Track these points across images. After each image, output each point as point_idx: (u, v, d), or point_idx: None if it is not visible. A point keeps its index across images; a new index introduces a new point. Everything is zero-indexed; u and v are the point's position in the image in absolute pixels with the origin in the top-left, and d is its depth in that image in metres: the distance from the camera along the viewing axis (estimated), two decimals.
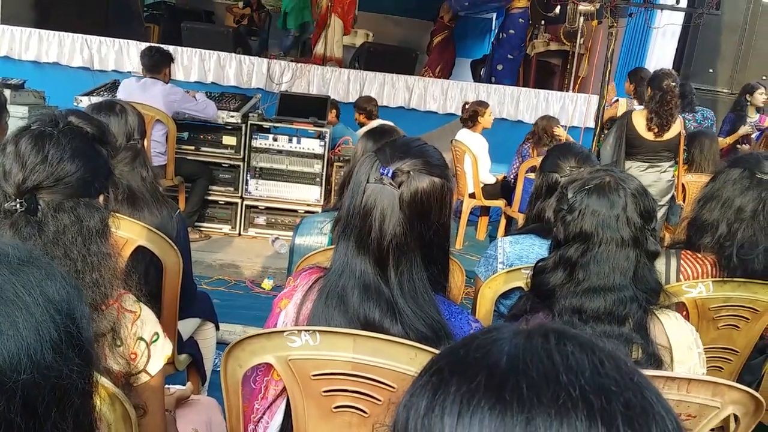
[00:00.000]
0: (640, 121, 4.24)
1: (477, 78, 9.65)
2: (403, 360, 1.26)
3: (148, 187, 2.24)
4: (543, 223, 2.27)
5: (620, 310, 1.49)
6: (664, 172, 4.31)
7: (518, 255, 2.26)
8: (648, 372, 1.33)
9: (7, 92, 4.95)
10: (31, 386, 0.68)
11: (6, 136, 2.43)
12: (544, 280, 1.58)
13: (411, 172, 1.31)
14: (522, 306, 1.67)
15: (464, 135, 5.64)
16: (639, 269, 1.52)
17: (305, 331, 1.29)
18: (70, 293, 0.75)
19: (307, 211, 5.29)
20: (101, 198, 1.40)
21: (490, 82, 8.33)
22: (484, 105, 5.73)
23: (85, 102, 5.03)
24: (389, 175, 1.30)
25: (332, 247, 1.79)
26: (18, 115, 4.90)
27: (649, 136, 4.23)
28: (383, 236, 1.30)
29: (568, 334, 0.59)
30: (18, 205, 1.26)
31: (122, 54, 7.14)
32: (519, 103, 7.40)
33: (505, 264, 2.27)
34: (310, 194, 5.30)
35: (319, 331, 1.30)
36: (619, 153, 4.16)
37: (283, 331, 1.30)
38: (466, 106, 5.69)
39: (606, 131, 4.67)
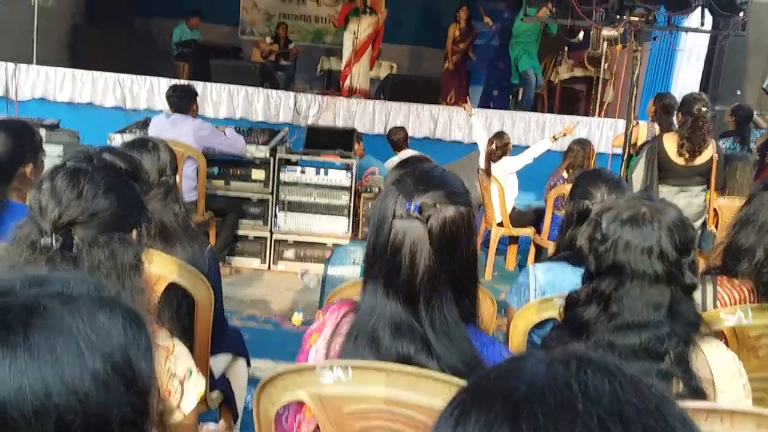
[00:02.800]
0: (671, 145, 4.19)
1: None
2: (437, 394, 1.24)
3: (180, 222, 2.26)
4: (575, 250, 2.24)
5: (658, 347, 1.44)
6: (696, 196, 4.24)
7: (551, 283, 2.23)
8: (689, 403, 1.29)
9: (42, 132, 5.06)
10: (65, 412, 0.69)
11: (41, 174, 2.50)
12: (578, 314, 1.54)
13: (438, 204, 1.29)
14: (555, 337, 1.64)
15: (492, 168, 5.63)
16: (675, 305, 1.47)
17: (337, 366, 1.28)
18: (127, 327, 0.76)
19: (335, 244, 5.29)
20: (134, 233, 1.42)
21: (488, 107, 8.39)
22: (506, 136, 5.73)
23: (118, 140, 5.13)
24: (416, 210, 1.29)
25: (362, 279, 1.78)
26: (53, 155, 5.00)
27: (680, 161, 4.17)
28: (414, 273, 1.28)
29: (590, 359, 0.58)
30: (54, 241, 1.28)
31: (153, 92, 7.30)
32: (545, 130, 7.37)
33: (537, 292, 2.24)
34: (338, 226, 5.31)
35: (351, 366, 1.28)
36: (651, 177, 4.10)
37: (315, 367, 1.29)
38: (493, 147, 5.61)
39: (635, 155, 4.62)
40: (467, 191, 1.40)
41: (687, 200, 4.26)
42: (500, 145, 5.60)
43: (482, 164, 5.75)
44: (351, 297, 1.83)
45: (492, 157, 5.59)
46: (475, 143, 7.33)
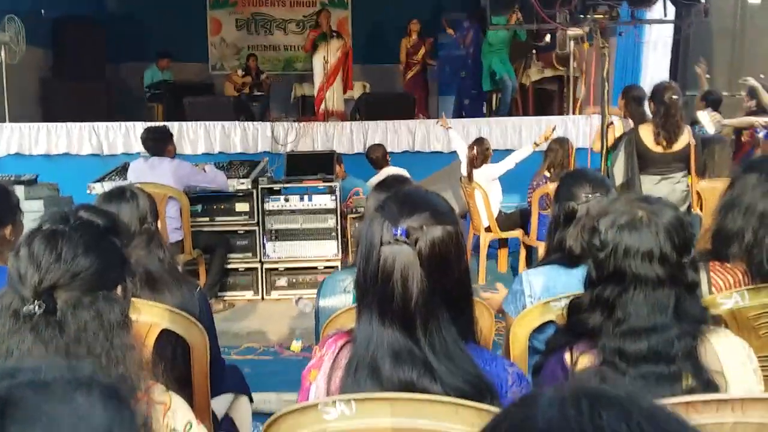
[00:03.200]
0: (647, 135, 4.23)
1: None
2: (445, 418, 1.22)
3: (166, 268, 2.24)
4: (565, 252, 2.24)
5: (668, 350, 1.42)
6: (678, 182, 4.27)
7: (545, 287, 2.23)
8: (698, 397, 1.29)
9: (21, 188, 5.04)
10: None
11: (20, 235, 2.48)
12: (582, 320, 1.53)
13: (424, 227, 1.28)
14: (559, 340, 1.63)
15: (480, 174, 5.66)
16: (680, 304, 1.46)
17: (340, 400, 1.26)
18: (107, 404, 0.74)
19: (326, 267, 5.30)
20: (119, 289, 1.39)
21: (461, 116, 8.42)
22: (486, 142, 5.77)
23: (98, 189, 5.10)
24: (403, 234, 1.27)
25: (355, 306, 1.76)
26: (33, 209, 4.97)
27: (658, 149, 4.21)
28: (408, 298, 1.26)
29: (603, 398, 0.56)
30: (37, 307, 1.25)
31: (129, 136, 7.28)
32: (521, 132, 7.42)
33: (533, 297, 2.24)
34: (327, 250, 5.29)
35: (354, 399, 1.26)
36: (632, 168, 4.13)
37: (317, 404, 1.27)
38: (474, 152, 5.64)
39: (613, 150, 4.64)
40: (452, 209, 1.40)
41: (670, 187, 4.29)
42: (481, 151, 5.64)
43: (464, 171, 5.78)
44: (345, 326, 1.82)
45: (474, 163, 5.62)
46: (455, 152, 7.39)
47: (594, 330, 1.49)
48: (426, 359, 1.27)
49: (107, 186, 5.03)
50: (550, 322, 2.08)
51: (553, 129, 5.77)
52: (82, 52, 9.80)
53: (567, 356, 1.54)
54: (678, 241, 1.45)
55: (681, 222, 1.49)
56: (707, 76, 6.46)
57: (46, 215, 1.40)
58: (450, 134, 6.22)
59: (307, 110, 10.11)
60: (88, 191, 5.16)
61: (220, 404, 2.46)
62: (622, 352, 1.43)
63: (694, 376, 1.42)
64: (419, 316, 1.27)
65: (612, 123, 5.13)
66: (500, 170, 5.64)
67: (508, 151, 6.73)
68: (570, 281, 2.19)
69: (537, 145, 5.64)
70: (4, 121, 7.31)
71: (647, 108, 4.59)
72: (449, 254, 1.30)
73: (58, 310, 1.27)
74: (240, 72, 10.59)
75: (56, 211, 1.41)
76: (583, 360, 1.51)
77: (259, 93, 10.41)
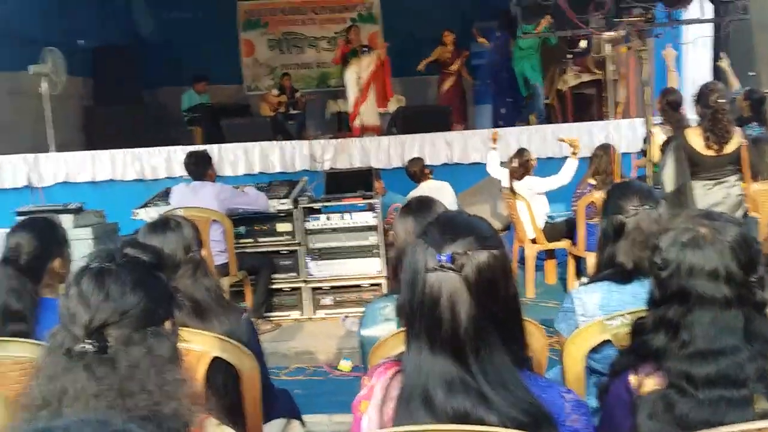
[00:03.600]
0: (696, 139, 4.09)
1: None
2: None
3: (212, 296, 2.25)
4: (616, 267, 2.18)
5: (738, 374, 1.36)
6: (732, 186, 4.12)
7: (597, 305, 2.18)
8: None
9: (69, 217, 5.16)
10: None
11: (69, 266, 2.52)
12: (646, 342, 1.48)
13: (469, 252, 1.26)
14: (624, 362, 1.57)
15: (516, 185, 5.57)
16: (749, 325, 1.39)
17: None
18: None
19: (371, 284, 5.28)
20: (167, 324, 1.40)
21: (498, 125, 8.36)
22: (527, 152, 5.68)
23: (142, 214, 5.20)
24: (448, 260, 1.25)
25: (402, 330, 1.73)
26: (81, 237, 5.09)
27: (710, 152, 4.07)
28: (457, 325, 1.24)
29: None
30: (89, 346, 1.27)
31: (171, 161, 7.39)
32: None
33: (585, 316, 2.18)
34: (371, 267, 5.28)
35: (410, 431, 1.24)
36: (683, 175, 4.00)
37: None
38: (514, 165, 5.57)
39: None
40: (496, 232, 1.37)
41: (724, 192, 4.14)
42: (521, 162, 5.56)
43: (505, 184, 5.71)
44: (391, 353, 1.79)
45: (515, 175, 5.54)
46: None
47: (659, 352, 1.44)
48: (479, 388, 1.24)
49: (151, 211, 5.13)
50: (607, 341, 2.03)
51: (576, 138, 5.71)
52: (120, 79, 10.06)
53: (632, 379, 1.49)
54: (744, 258, 1.40)
55: (746, 239, 1.43)
56: (729, 68, 6.23)
57: (93, 253, 1.43)
58: (490, 153, 6.11)
59: (342, 126, 10.16)
60: (132, 217, 5.27)
61: (272, 430, 2.45)
62: (690, 376, 1.37)
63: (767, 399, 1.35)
64: (469, 343, 1.24)
65: (652, 134, 5.02)
66: (548, 186, 5.54)
67: (549, 160, 6.64)
68: (624, 298, 2.14)
69: (575, 154, 5.55)
70: (50, 151, 7.49)
71: (688, 112, 4.47)
72: (496, 279, 1.27)
73: (109, 347, 1.28)
74: (275, 92, 10.70)
75: (103, 249, 1.43)
76: (649, 382, 1.46)
77: (294, 111, 10.51)
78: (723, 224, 1.44)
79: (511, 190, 5.54)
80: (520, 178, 5.55)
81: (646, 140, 4.90)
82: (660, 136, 4.86)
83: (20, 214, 5.15)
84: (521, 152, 5.68)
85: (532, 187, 5.52)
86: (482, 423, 1.22)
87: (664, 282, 1.44)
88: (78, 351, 1.27)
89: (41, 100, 7.55)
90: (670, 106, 5.10)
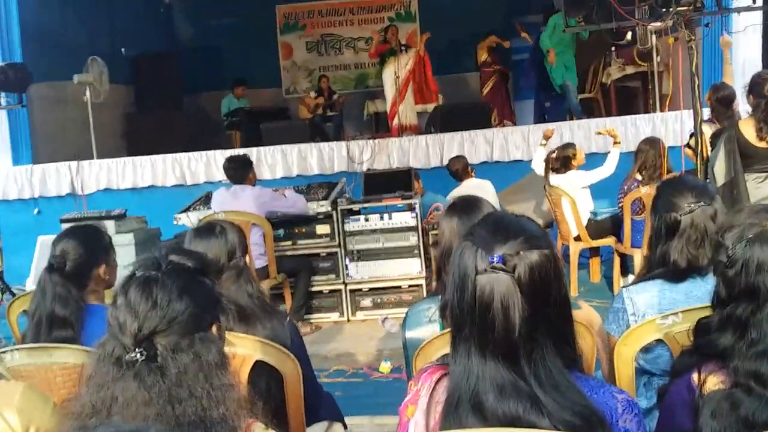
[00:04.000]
0: (748, 130, 3.94)
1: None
2: None
3: (255, 302, 2.25)
4: (669, 266, 2.10)
5: None
6: None
7: (649, 304, 2.10)
8: None
9: (111, 223, 5.25)
10: None
11: (114, 273, 2.54)
12: (712, 342, 1.44)
13: (520, 252, 1.22)
14: (686, 362, 1.53)
15: (558, 180, 5.47)
16: None
17: None
18: None
19: (411, 285, 5.24)
20: (214, 328, 1.41)
21: (544, 121, 8.18)
22: (571, 147, 5.56)
23: (183, 219, 5.25)
24: (500, 261, 1.21)
25: (446, 331, 1.68)
26: (124, 243, 5.17)
27: (763, 144, 3.92)
28: (510, 328, 1.20)
29: None
30: (138, 355, 1.29)
31: (211, 165, 7.48)
32: (606, 136, 7.15)
33: (636, 315, 2.11)
34: (411, 267, 5.24)
35: None
36: (735, 167, 3.84)
37: None
38: (553, 155, 5.50)
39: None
40: (545, 232, 1.34)
41: None
42: (560, 156, 5.45)
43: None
44: (436, 355, 1.75)
45: (552, 167, 5.44)
46: None
47: (725, 351, 1.41)
48: (531, 392, 1.21)
49: (192, 216, 5.18)
50: (659, 341, 1.96)
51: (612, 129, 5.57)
52: (160, 86, 10.26)
53: (695, 377, 1.46)
54: None
55: None
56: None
57: (138, 261, 1.44)
58: (537, 149, 6.01)
59: (380, 126, 10.15)
60: (174, 222, 5.33)
61: None
62: (758, 375, 1.33)
63: None
64: (522, 346, 1.21)
65: (702, 132, 4.86)
66: (591, 179, 5.43)
67: (594, 155, 6.50)
68: (676, 297, 2.07)
69: (616, 142, 5.41)
70: (93, 158, 7.66)
71: (740, 107, 4.30)
72: (549, 279, 1.24)
73: (158, 355, 1.30)
74: (313, 94, 10.76)
75: (148, 257, 1.44)
76: (712, 381, 1.42)
77: (332, 113, 10.55)
78: None
79: (547, 182, 5.43)
80: (558, 171, 5.44)
81: (693, 134, 4.74)
82: (707, 132, 4.71)
83: (64, 221, 5.26)
84: (565, 146, 5.59)
85: (576, 181, 5.41)
86: (534, 427, 1.19)
87: (732, 280, 1.40)
88: (128, 360, 1.29)
89: (85, 108, 7.71)
90: (720, 102, 4.92)
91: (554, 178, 5.49)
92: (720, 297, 1.45)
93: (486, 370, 1.22)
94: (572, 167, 5.45)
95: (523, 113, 10.62)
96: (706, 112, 5.00)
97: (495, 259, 1.22)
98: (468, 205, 2.25)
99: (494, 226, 1.30)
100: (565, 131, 7.21)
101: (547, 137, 5.97)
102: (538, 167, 5.79)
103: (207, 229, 2.36)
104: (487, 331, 1.21)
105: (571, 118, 8.23)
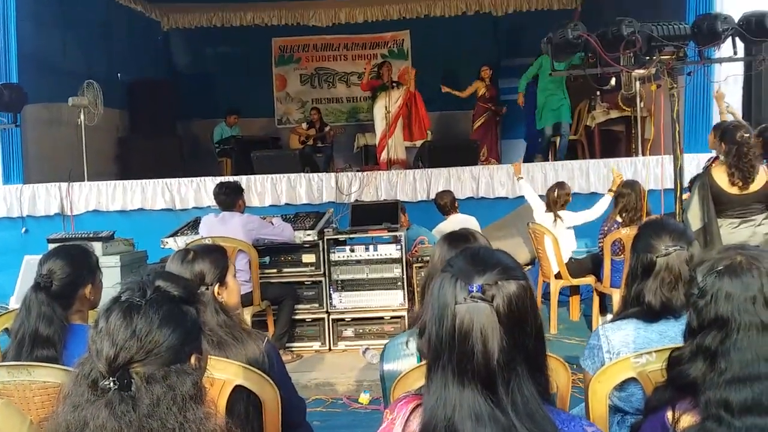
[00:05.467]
0: (721, 176, 4.06)
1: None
2: None
3: (225, 330, 2.22)
4: (643, 305, 2.16)
5: None
6: (759, 225, 4.06)
7: (624, 342, 2.15)
8: None
9: (98, 245, 5.26)
10: None
11: (100, 293, 2.55)
12: (683, 372, 1.49)
13: (498, 282, 1.26)
14: (660, 397, 1.58)
15: (550, 218, 5.58)
16: None
17: None
18: None
19: (393, 317, 5.27)
20: (193, 359, 1.39)
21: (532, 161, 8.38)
22: (566, 185, 5.71)
23: (171, 243, 5.27)
24: (479, 290, 1.25)
25: (423, 363, 1.71)
26: (110, 264, 5.18)
27: (735, 190, 4.03)
28: (489, 357, 1.23)
29: None
30: (112, 383, 1.27)
31: (200, 191, 7.53)
32: (589, 176, 7.28)
33: (611, 353, 2.16)
34: (394, 299, 5.27)
35: None
36: (708, 214, 3.95)
37: None
38: (554, 194, 5.60)
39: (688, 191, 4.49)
40: (519, 264, 1.38)
41: (751, 230, 4.09)
42: (561, 194, 5.59)
43: (538, 218, 5.69)
44: (413, 386, 1.77)
45: (556, 206, 5.56)
46: (520, 197, 7.31)
47: (696, 381, 1.45)
48: (507, 422, 1.23)
49: (180, 240, 5.20)
50: (632, 379, 2.00)
51: (617, 169, 5.66)
52: (154, 112, 10.32)
53: (669, 415, 1.50)
54: None
55: None
56: (726, 103, 6.14)
57: (125, 284, 1.43)
58: (521, 183, 6.13)
59: (369, 159, 10.26)
60: (161, 245, 5.34)
61: None
62: (727, 403, 1.37)
63: None
64: (500, 374, 1.24)
65: (717, 158, 4.95)
66: (578, 220, 5.54)
67: (577, 195, 6.61)
68: (650, 337, 2.12)
69: (611, 191, 5.53)
70: (83, 180, 7.67)
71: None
72: (525, 308, 1.28)
73: (132, 385, 1.28)
74: (304, 125, 10.87)
75: (134, 281, 1.42)
76: (686, 419, 1.46)
77: (323, 145, 10.64)
78: (759, 253, 1.47)
79: (556, 217, 5.54)
80: (562, 207, 5.55)
81: (695, 178, 4.83)
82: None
83: (51, 241, 5.27)
84: (562, 184, 5.72)
85: (565, 220, 5.51)
86: None
87: (702, 310, 1.46)
88: (101, 387, 1.28)
89: (78, 131, 7.76)
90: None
91: (550, 216, 5.59)
92: (691, 327, 1.50)
93: (464, 398, 1.24)
94: (563, 207, 5.58)
95: (509, 153, 10.77)
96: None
97: (474, 288, 1.25)
98: (461, 236, 2.32)
99: (472, 258, 1.33)
100: (549, 171, 7.35)
101: (518, 169, 6.14)
102: (533, 199, 5.86)
103: (179, 256, 2.37)
104: (467, 360, 1.23)
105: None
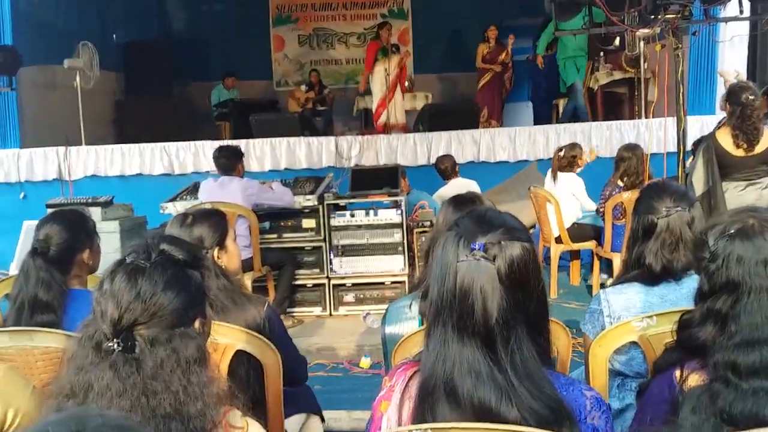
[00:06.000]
0: (725, 138, 4.02)
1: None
2: None
3: (225, 294, 2.22)
4: (644, 268, 2.15)
5: None
6: (766, 187, 4.03)
7: (624, 306, 2.14)
8: None
9: (97, 210, 5.24)
10: None
11: (98, 258, 2.55)
12: (693, 335, 1.49)
13: (502, 242, 1.26)
14: (669, 358, 1.58)
15: (562, 179, 5.53)
16: None
17: (417, 429, 1.22)
18: None
19: (393, 282, 5.27)
20: (197, 323, 1.39)
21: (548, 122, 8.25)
22: (578, 148, 5.63)
23: (170, 208, 5.25)
24: (481, 248, 1.25)
25: (425, 327, 1.71)
26: (110, 230, 5.16)
27: (740, 152, 3.99)
28: (488, 314, 1.23)
29: None
30: (116, 345, 1.28)
31: (199, 155, 7.47)
32: (591, 139, 7.22)
33: (612, 317, 2.15)
34: (394, 264, 5.26)
35: (431, 428, 1.22)
36: (713, 177, 3.92)
37: None
38: (561, 154, 5.55)
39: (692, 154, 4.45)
40: (525, 228, 1.37)
41: (757, 193, 4.05)
42: (567, 155, 5.52)
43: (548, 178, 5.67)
44: (414, 351, 1.77)
45: (557, 166, 5.52)
46: (521, 161, 7.27)
47: (706, 344, 1.45)
48: (507, 379, 1.23)
49: (179, 205, 5.18)
50: (633, 343, 2.00)
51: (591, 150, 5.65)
52: (151, 74, 10.21)
53: (677, 374, 1.50)
54: None
55: None
56: (736, 72, 6.06)
57: (131, 247, 1.42)
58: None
59: (369, 123, 10.15)
60: (161, 211, 5.32)
61: (292, 425, 2.46)
62: (735, 365, 1.37)
63: None
64: (500, 333, 1.24)
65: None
66: (579, 195, 5.48)
67: None
68: (651, 300, 2.11)
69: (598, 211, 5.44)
70: (81, 144, 7.62)
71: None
72: (527, 271, 1.28)
73: (136, 347, 1.29)
74: (303, 88, 10.76)
75: (140, 244, 1.42)
76: (694, 378, 1.46)
77: (322, 108, 10.55)
78: None
79: (554, 178, 5.50)
80: (563, 170, 5.51)
81: (698, 141, 4.78)
82: None
83: (50, 206, 5.24)
84: (572, 146, 5.64)
85: (571, 184, 5.47)
86: (503, 419, 1.21)
87: (713, 274, 1.45)
88: (105, 348, 1.28)
89: (74, 94, 7.67)
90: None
91: (551, 180, 5.56)
92: (702, 291, 1.50)
93: (463, 356, 1.24)
94: (574, 170, 5.53)
95: (513, 115, 10.67)
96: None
97: (477, 246, 1.25)
98: (467, 200, 2.31)
99: (477, 218, 1.33)
100: (551, 134, 7.29)
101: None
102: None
103: (178, 220, 2.36)
104: (467, 317, 1.24)
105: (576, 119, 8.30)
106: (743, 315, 1.40)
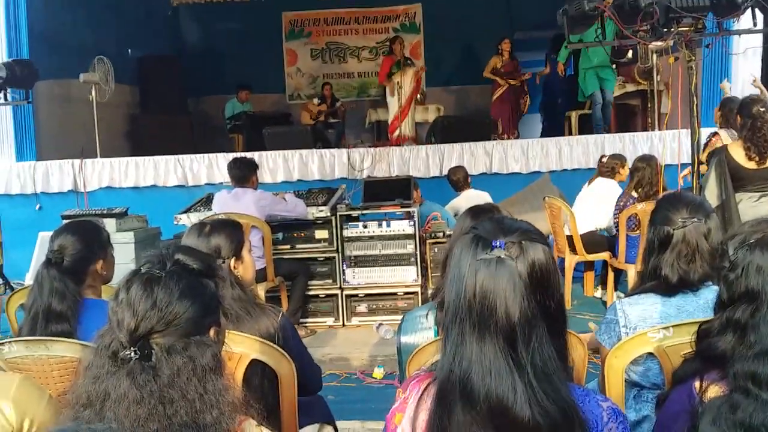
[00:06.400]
0: (737, 151, 4.00)
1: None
2: None
3: (239, 304, 2.23)
4: (660, 279, 2.13)
5: None
6: None
7: (641, 317, 2.13)
8: None
9: (112, 221, 5.28)
10: None
11: (112, 268, 2.56)
12: (713, 345, 1.48)
13: (522, 242, 1.26)
14: (688, 368, 1.57)
15: (600, 183, 5.60)
16: None
17: None
18: None
19: (406, 293, 5.27)
20: (212, 332, 1.40)
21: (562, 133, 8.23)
22: (620, 159, 5.68)
23: (184, 219, 5.28)
24: (502, 246, 1.25)
25: (440, 338, 1.70)
26: (124, 241, 5.19)
27: (752, 165, 3.97)
28: (510, 314, 1.23)
29: None
30: (133, 353, 1.28)
31: (212, 167, 7.53)
32: (605, 150, 7.20)
33: (628, 327, 2.13)
34: (407, 275, 5.26)
35: None
36: (726, 190, 3.90)
37: None
38: (603, 160, 5.68)
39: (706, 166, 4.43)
40: (544, 236, 1.37)
41: None
42: (608, 162, 5.62)
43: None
44: (430, 360, 1.76)
45: (601, 170, 5.62)
46: (534, 172, 7.26)
47: (725, 354, 1.44)
48: (526, 378, 1.22)
49: (193, 217, 5.21)
50: (649, 354, 1.98)
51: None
52: (165, 88, 10.30)
53: (696, 385, 1.49)
54: None
55: None
56: (753, 76, 6.05)
57: (146, 257, 1.43)
58: None
59: (381, 135, 10.21)
60: (175, 222, 5.36)
61: None
62: (755, 376, 1.36)
63: None
64: (521, 332, 1.23)
65: (717, 133, 4.88)
66: (606, 206, 5.47)
67: (593, 170, 6.56)
68: (668, 311, 2.09)
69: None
70: (96, 157, 7.69)
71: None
72: (547, 272, 1.28)
73: (153, 355, 1.29)
74: (316, 101, 10.81)
75: (155, 254, 1.43)
76: (714, 389, 1.45)
77: (334, 120, 10.60)
78: None
79: (590, 182, 5.63)
80: (604, 175, 5.59)
81: (710, 155, 4.80)
82: (727, 138, 4.79)
83: (65, 218, 5.29)
84: (615, 155, 5.75)
85: (607, 191, 5.50)
86: (517, 418, 1.20)
87: (732, 283, 1.45)
88: (122, 357, 1.29)
89: (90, 107, 7.75)
90: (733, 112, 5.00)
91: (598, 181, 5.63)
92: (721, 300, 1.50)
93: (483, 353, 1.23)
94: (615, 178, 5.57)
95: (523, 127, 10.66)
96: (723, 130, 5.08)
97: (498, 243, 1.25)
98: (485, 210, 2.33)
99: (496, 221, 1.34)
100: (564, 146, 7.28)
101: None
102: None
103: (195, 229, 2.37)
104: (488, 313, 1.23)
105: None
106: (763, 325, 1.39)
